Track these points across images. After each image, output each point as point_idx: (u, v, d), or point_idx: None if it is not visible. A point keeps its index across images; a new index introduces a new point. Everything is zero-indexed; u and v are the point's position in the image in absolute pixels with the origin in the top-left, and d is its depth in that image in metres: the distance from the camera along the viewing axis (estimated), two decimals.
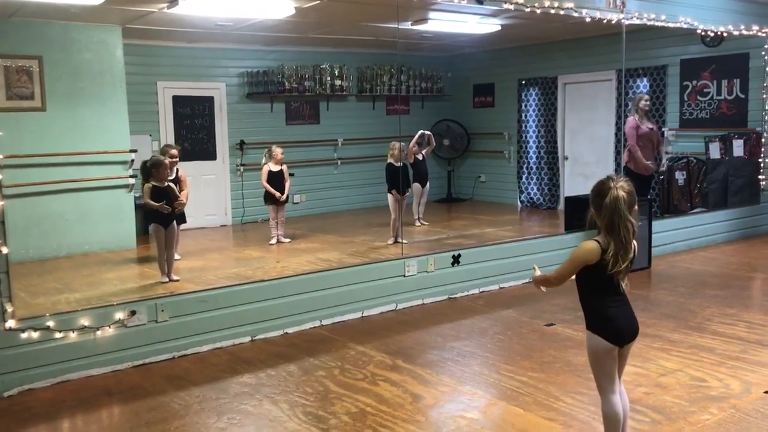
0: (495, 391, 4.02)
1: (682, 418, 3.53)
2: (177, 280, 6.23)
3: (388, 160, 8.02)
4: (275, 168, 8.05)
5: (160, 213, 6.11)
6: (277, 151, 8.11)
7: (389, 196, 7.98)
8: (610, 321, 2.93)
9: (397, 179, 7.84)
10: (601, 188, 2.85)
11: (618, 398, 2.98)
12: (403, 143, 8.06)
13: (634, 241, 2.88)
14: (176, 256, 7.05)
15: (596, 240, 2.87)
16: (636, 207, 2.88)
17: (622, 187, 2.82)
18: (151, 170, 6.13)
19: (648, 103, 8.33)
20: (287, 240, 8.12)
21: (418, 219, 8.90)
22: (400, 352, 4.73)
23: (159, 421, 3.73)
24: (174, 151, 7.00)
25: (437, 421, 3.65)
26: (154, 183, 6.11)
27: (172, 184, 6.31)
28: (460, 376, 4.25)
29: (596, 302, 2.96)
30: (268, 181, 8.02)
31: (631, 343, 3.00)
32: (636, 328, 2.99)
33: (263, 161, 8.20)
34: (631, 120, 8.15)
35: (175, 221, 6.28)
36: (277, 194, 7.94)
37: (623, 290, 2.96)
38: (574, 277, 3.01)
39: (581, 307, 3.03)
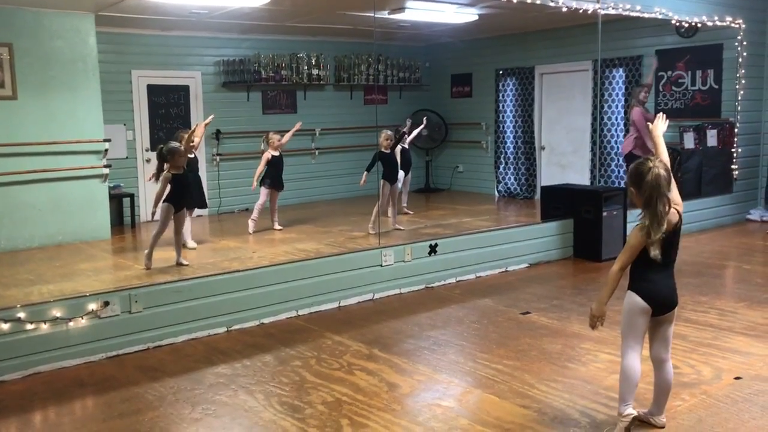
0: (471, 379, 4.04)
1: None
2: (187, 265, 6.19)
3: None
4: (276, 153, 8.06)
5: (176, 194, 6.14)
6: (274, 137, 8.10)
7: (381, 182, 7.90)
8: (649, 283, 3.18)
9: (385, 166, 7.81)
10: (641, 168, 3.09)
11: (638, 359, 3.20)
12: (389, 131, 8.02)
13: (679, 209, 3.16)
14: (193, 244, 7.19)
15: (642, 222, 3.12)
16: (671, 184, 3.14)
17: (662, 166, 3.08)
18: (166, 157, 6.07)
19: (647, 95, 8.61)
20: (280, 227, 8.12)
21: (403, 207, 8.95)
22: (377, 342, 4.73)
23: (133, 412, 3.70)
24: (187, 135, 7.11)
25: (413, 409, 3.66)
26: (173, 172, 6.09)
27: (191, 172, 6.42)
28: (436, 365, 4.26)
29: (642, 268, 3.19)
30: (270, 166, 7.99)
31: (667, 316, 3.22)
32: (673, 300, 3.22)
33: (262, 148, 8.20)
34: (638, 110, 8.42)
35: (185, 208, 6.37)
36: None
37: (670, 265, 3.20)
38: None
39: (629, 273, 3.24)
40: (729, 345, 4.46)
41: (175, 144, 6.25)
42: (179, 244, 6.32)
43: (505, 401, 3.69)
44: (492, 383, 3.94)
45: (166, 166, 6.10)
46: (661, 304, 3.19)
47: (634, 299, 3.19)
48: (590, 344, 4.54)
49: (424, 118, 8.84)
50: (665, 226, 3.07)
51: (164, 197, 6.14)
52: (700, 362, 4.16)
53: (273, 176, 8.04)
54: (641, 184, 3.08)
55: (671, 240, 3.15)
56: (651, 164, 3.07)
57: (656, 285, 3.17)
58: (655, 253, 3.08)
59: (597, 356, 4.32)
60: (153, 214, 6.21)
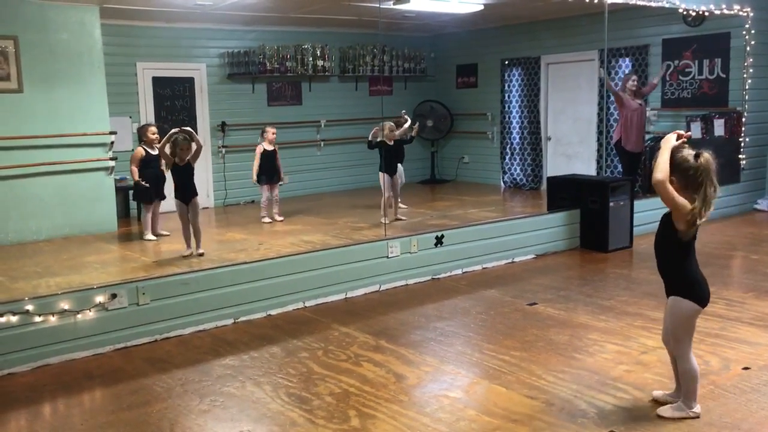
0: (478, 370, 4.04)
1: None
2: (202, 254, 6.37)
3: (379, 138, 7.92)
4: (269, 147, 8.13)
5: (179, 189, 6.40)
6: (269, 131, 8.22)
7: (383, 175, 7.90)
8: (699, 284, 3.20)
9: (386, 158, 7.80)
10: (685, 155, 3.12)
11: (694, 356, 3.29)
12: (392, 123, 8.03)
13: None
14: (164, 232, 7.40)
15: None
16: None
17: (708, 153, 3.13)
18: (174, 150, 6.39)
19: (635, 83, 8.56)
20: (281, 218, 8.17)
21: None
22: (384, 333, 4.74)
23: (141, 404, 3.71)
24: (153, 128, 7.38)
25: (420, 400, 3.66)
26: (175, 160, 6.41)
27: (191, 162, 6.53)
28: (443, 356, 4.27)
29: (681, 267, 3.21)
30: (262, 160, 8.07)
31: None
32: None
33: (259, 141, 8.25)
34: (619, 95, 8.57)
35: (195, 197, 6.52)
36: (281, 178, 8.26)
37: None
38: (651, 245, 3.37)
39: (662, 274, 3.28)
40: (737, 335, 4.45)
41: (181, 136, 6.43)
42: (197, 234, 6.45)
43: (512, 392, 3.69)
44: (499, 374, 3.94)
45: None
46: (709, 299, 3.28)
47: (688, 306, 3.21)
48: (597, 335, 4.54)
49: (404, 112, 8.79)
50: (712, 209, 3.11)
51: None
52: (707, 352, 4.15)
53: (267, 171, 8.09)
54: (688, 170, 3.09)
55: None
56: (693, 150, 3.12)
57: (702, 285, 3.23)
58: (696, 236, 3.15)
59: (604, 347, 4.32)
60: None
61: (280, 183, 8.39)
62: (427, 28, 10.88)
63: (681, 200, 3.10)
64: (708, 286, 3.27)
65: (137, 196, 7.50)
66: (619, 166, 9.28)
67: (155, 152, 7.17)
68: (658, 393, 3.50)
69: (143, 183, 7.15)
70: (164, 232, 7.43)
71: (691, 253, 3.21)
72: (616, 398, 3.55)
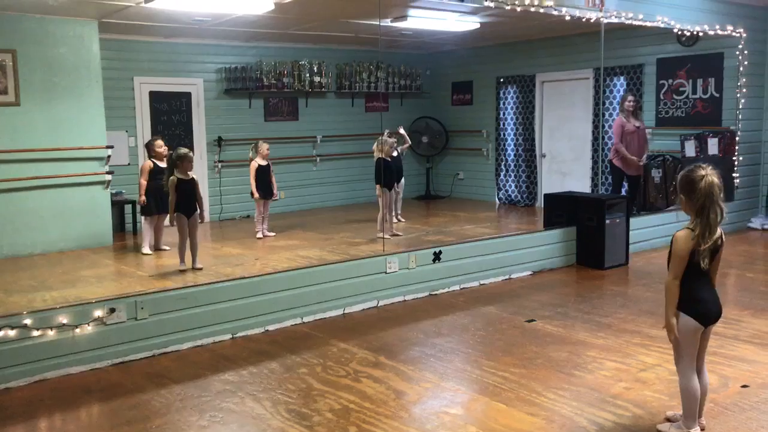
0: (477, 386, 4.03)
1: (663, 412, 3.56)
2: (200, 269, 6.37)
3: (379, 155, 7.90)
4: (263, 163, 8.12)
5: (183, 202, 6.38)
6: (263, 146, 8.20)
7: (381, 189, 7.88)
8: (701, 303, 3.19)
9: (386, 173, 7.79)
10: (693, 176, 3.10)
11: (695, 375, 3.25)
12: (393, 139, 8.08)
13: (719, 228, 3.13)
14: (165, 247, 7.39)
15: (688, 228, 3.14)
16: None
17: (714, 174, 3.10)
18: (176, 162, 6.36)
19: (632, 103, 8.58)
20: (272, 234, 8.19)
21: (396, 215, 8.92)
22: (383, 349, 4.73)
23: (140, 419, 3.69)
24: (160, 141, 7.45)
25: (420, 417, 3.65)
26: (179, 176, 6.35)
27: (195, 177, 6.55)
28: (443, 372, 4.26)
29: (687, 284, 3.17)
30: (257, 176, 8.05)
31: (713, 325, 3.26)
32: (720, 311, 3.26)
33: (250, 155, 8.24)
34: (618, 120, 8.60)
35: (197, 211, 6.52)
36: (274, 193, 8.23)
37: (710, 274, 3.22)
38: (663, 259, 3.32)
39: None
40: (735, 353, 4.46)
41: (184, 150, 6.45)
42: (194, 248, 6.44)
43: (512, 409, 3.69)
44: (499, 391, 3.94)
45: (174, 171, 6.38)
46: (712, 319, 3.23)
47: (688, 322, 3.18)
48: (596, 352, 4.55)
49: (400, 128, 8.85)
50: (717, 235, 3.10)
51: (174, 207, 6.41)
52: (706, 370, 4.15)
53: (262, 186, 8.09)
54: (693, 192, 3.08)
55: (714, 251, 3.17)
56: (703, 172, 3.08)
57: (706, 303, 3.19)
58: (705, 262, 3.11)
59: (603, 364, 4.32)
60: (171, 221, 6.46)
61: (274, 199, 8.39)
62: (424, 45, 10.95)
63: (680, 250, 3.12)
64: (717, 306, 3.24)
65: (141, 208, 7.46)
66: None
67: (163, 164, 7.16)
68: (670, 413, 3.50)
69: (143, 198, 7.16)
70: (165, 247, 7.40)
71: (697, 271, 3.18)
72: (616, 415, 3.56)
